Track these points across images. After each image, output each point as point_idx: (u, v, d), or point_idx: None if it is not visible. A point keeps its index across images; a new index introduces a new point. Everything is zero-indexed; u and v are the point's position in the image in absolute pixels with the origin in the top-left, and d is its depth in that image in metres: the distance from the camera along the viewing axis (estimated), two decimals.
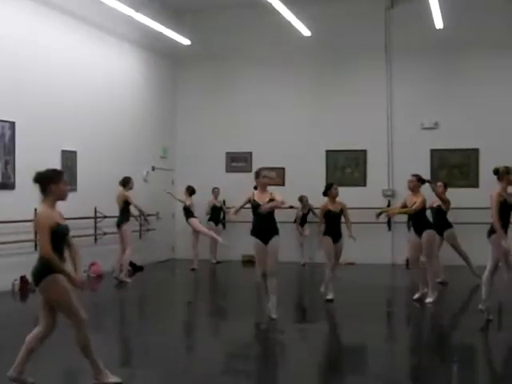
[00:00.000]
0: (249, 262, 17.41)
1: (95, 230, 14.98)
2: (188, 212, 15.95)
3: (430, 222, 11.62)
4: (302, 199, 16.63)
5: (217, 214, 17.23)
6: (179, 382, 6.66)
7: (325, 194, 11.58)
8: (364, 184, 17.32)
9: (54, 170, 6.24)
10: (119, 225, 13.92)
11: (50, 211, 6.03)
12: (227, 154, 18.56)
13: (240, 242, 17.59)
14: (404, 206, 11.44)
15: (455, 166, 16.99)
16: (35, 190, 6.13)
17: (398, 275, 15.67)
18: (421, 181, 11.40)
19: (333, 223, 11.29)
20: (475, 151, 16.91)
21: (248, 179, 17.85)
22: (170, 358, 7.39)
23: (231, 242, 17.65)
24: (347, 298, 11.63)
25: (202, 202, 16.77)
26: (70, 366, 7.28)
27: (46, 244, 5.89)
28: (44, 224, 5.92)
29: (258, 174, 9.74)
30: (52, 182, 6.07)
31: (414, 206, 11.06)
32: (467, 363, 7.60)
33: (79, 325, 6.01)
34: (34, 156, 12.51)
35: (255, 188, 9.70)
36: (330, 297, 11.25)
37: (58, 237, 6.00)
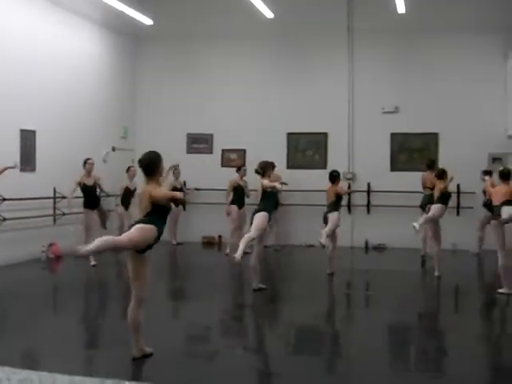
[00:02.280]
0: (208, 243, 17.47)
1: (54, 211, 14.83)
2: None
3: None
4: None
5: None
6: (140, 365, 6.65)
7: (333, 181, 12.32)
8: (324, 167, 17.31)
9: (155, 152, 6.75)
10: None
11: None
12: (188, 135, 18.49)
13: (200, 223, 17.65)
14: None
15: (415, 150, 17.15)
16: None
17: (359, 258, 15.84)
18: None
19: None
20: (435, 135, 17.09)
21: (208, 160, 18.01)
22: (130, 341, 7.37)
23: (192, 224, 17.67)
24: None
25: (162, 183, 16.66)
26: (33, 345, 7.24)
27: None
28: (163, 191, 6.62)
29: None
30: (159, 163, 6.66)
31: None
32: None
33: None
34: None
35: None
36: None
37: (167, 210, 6.61)
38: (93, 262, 13.17)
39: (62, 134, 15.06)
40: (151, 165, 6.65)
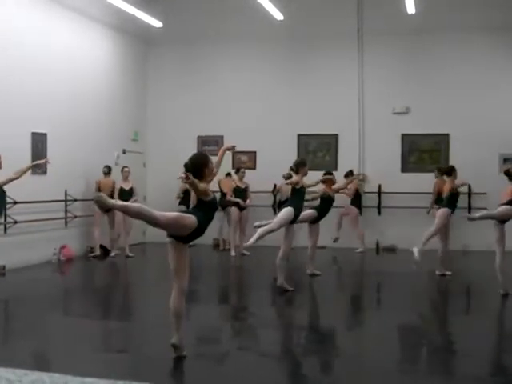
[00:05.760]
0: (219, 245, 17.37)
1: (65, 213, 14.88)
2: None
3: None
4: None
5: (188, 198, 17.16)
6: (150, 367, 6.66)
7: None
8: (335, 168, 17.28)
9: (199, 153, 6.97)
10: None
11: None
12: (199, 137, 18.50)
13: (211, 225, 17.58)
14: None
15: (426, 151, 17.12)
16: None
17: (370, 259, 15.80)
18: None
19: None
20: (446, 136, 17.04)
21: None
22: (140, 343, 7.38)
23: None
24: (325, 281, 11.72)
25: (172, 186, 16.69)
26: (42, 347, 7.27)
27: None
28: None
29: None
30: (205, 166, 6.55)
31: None
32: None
33: None
34: (2, 138, 12.35)
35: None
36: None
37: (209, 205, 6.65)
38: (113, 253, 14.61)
39: (73, 136, 15.10)
40: (194, 169, 6.55)
